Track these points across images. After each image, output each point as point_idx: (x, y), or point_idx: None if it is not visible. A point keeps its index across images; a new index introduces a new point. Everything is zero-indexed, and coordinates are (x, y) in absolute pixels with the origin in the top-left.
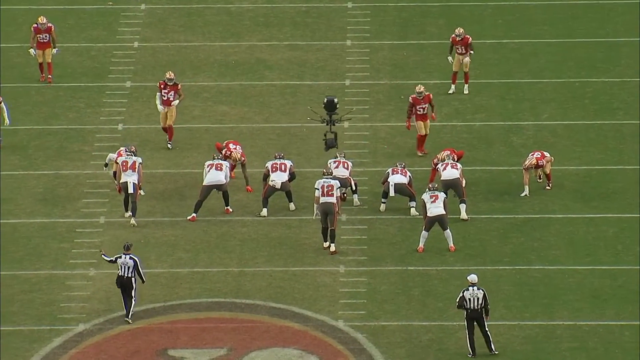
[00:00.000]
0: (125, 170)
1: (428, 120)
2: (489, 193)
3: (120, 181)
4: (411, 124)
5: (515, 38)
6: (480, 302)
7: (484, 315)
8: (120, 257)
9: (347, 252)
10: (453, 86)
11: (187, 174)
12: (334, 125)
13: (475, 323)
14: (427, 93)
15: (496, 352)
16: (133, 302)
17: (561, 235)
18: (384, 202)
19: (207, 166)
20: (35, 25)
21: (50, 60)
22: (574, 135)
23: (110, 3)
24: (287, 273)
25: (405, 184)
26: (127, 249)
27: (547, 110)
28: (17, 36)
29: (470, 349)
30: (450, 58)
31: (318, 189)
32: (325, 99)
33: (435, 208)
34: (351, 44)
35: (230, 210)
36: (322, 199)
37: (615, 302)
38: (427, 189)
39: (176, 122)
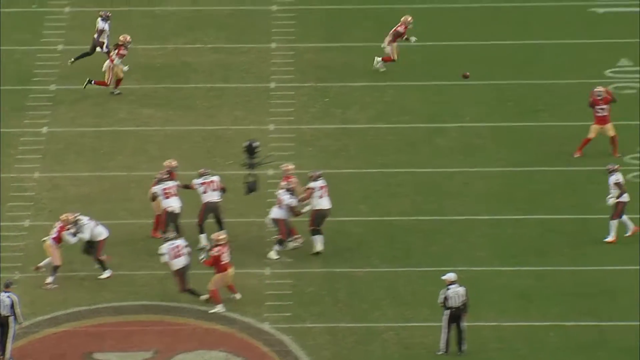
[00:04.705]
0: None
1: (608, 124)
2: (415, 195)
3: None
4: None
5: (439, 40)
6: (462, 298)
7: (463, 312)
8: None
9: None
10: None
11: (112, 176)
12: (253, 169)
13: (454, 322)
14: (606, 95)
15: (464, 352)
16: (9, 341)
17: (487, 237)
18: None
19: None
20: None
21: None
22: (499, 137)
23: (34, 5)
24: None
25: (278, 219)
26: (6, 286)
27: (472, 112)
28: None
29: (445, 347)
30: (388, 47)
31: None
32: (247, 143)
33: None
34: (276, 46)
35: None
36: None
37: (541, 302)
38: None
39: (101, 125)
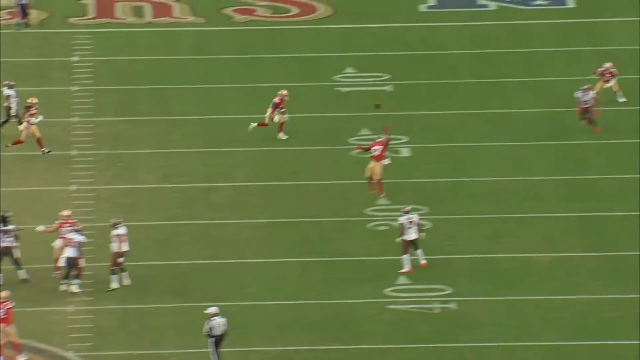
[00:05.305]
0: None
1: (379, 163)
2: (194, 242)
3: None
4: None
5: (215, 114)
6: (223, 327)
7: (222, 340)
8: None
9: (77, 294)
10: (281, 134)
11: None
12: (7, 235)
13: (219, 347)
14: (385, 139)
15: None
16: None
17: (253, 277)
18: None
19: None
20: None
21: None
22: (263, 193)
23: None
24: (24, 313)
25: (72, 257)
26: None
27: (241, 173)
28: None
29: None
30: (273, 116)
31: None
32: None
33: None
34: (77, 120)
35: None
36: None
37: (297, 330)
38: None
39: None
